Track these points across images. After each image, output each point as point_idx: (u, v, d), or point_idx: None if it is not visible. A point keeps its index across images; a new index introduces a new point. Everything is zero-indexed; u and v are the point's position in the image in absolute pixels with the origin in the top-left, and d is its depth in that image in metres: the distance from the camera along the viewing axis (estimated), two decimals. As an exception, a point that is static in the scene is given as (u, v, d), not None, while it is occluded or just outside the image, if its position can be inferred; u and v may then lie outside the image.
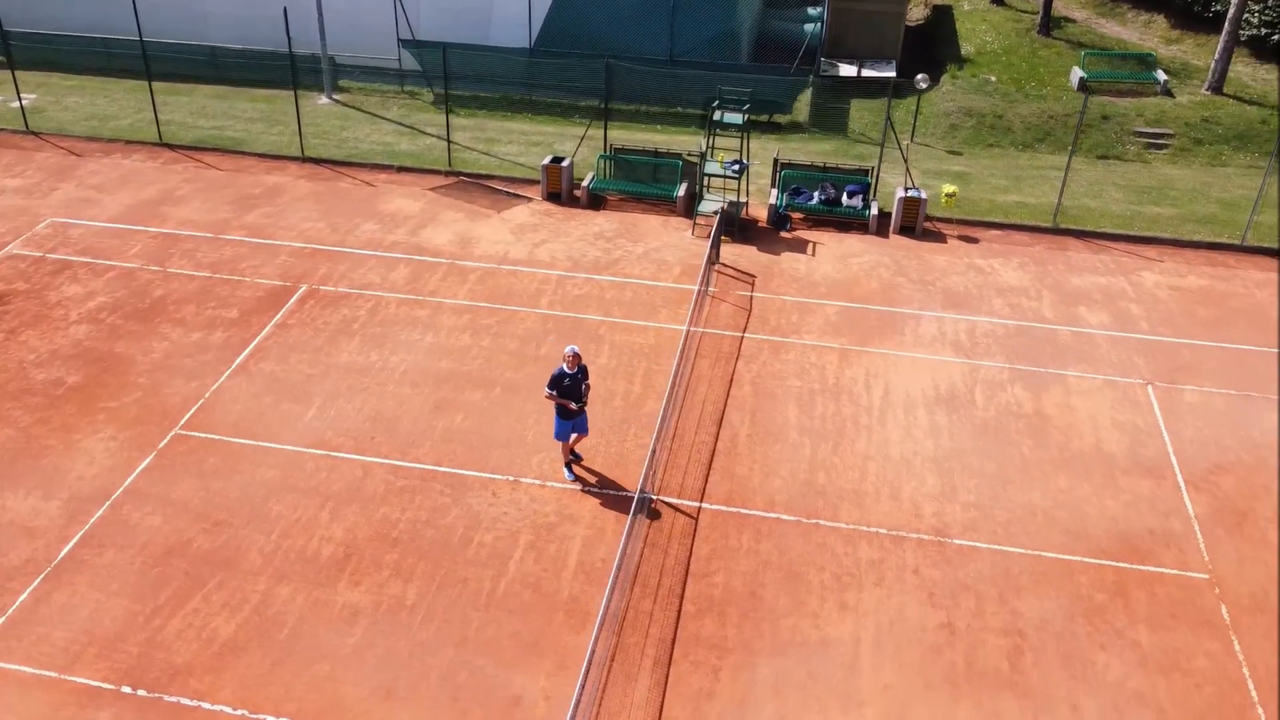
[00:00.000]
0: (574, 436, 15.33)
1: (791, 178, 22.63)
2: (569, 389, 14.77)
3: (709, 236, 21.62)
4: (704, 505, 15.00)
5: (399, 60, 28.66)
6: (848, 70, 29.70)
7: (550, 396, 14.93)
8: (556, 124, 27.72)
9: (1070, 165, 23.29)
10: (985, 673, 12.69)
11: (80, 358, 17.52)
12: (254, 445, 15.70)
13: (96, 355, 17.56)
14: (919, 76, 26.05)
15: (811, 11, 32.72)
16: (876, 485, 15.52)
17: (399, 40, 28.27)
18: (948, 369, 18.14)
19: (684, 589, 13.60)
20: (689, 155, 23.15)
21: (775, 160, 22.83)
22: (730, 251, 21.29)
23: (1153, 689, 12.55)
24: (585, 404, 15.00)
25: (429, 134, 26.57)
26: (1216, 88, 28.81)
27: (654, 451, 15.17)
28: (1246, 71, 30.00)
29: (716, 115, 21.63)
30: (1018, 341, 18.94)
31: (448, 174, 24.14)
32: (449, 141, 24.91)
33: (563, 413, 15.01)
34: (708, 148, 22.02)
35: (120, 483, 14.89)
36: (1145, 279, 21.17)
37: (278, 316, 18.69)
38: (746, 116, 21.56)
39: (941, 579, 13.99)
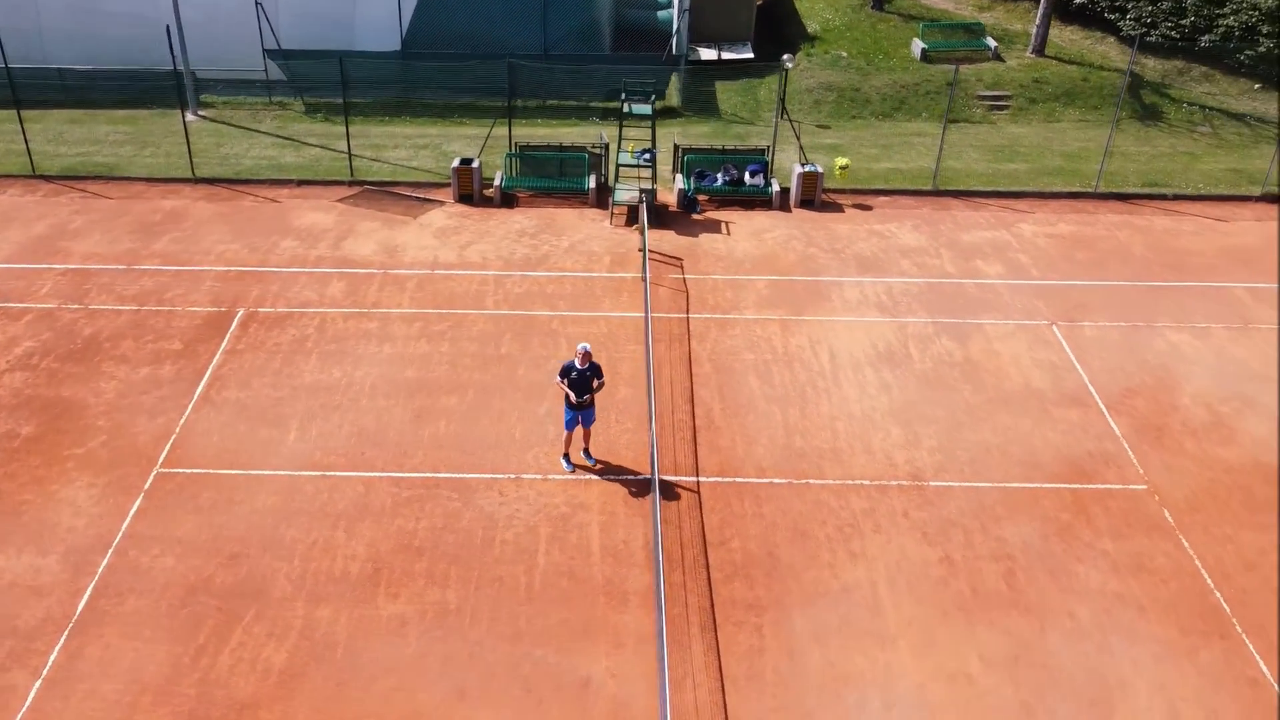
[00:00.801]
0: (580, 430, 15.97)
1: (695, 161, 23.62)
2: (575, 383, 15.35)
3: (627, 225, 22.39)
4: (701, 479, 15.85)
5: (265, 71, 27.92)
6: (708, 54, 30.90)
7: (559, 384, 15.68)
8: (438, 125, 27.73)
9: (945, 131, 25.23)
10: (989, 595, 14.13)
11: (25, 407, 16.69)
12: (244, 474, 15.48)
13: (43, 403, 16.76)
14: (785, 56, 27.42)
15: (662, -1, 33.80)
16: (849, 442, 16.77)
17: (264, 51, 27.55)
18: (879, 329, 19.59)
19: (707, 558, 14.43)
20: (593, 148, 23.77)
21: (676, 146, 23.75)
22: (651, 237, 22.10)
23: (1129, 589, 14.29)
24: (590, 399, 15.55)
25: (311, 145, 26.12)
26: (1039, 50, 31.60)
27: (655, 434, 15.95)
28: (1057, 34, 32.95)
29: (626, 107, 22.35)
30: (931, 297, 20.61)
31: (351, 184, 23.90)
32: (349, 153, 24.62)
33: (569, 403, 15.59)
34: (618, 139, 22.70)
35: (116, 528, 14.45)
36: (1024, 230, 23.31)
37: (224, 343, 18.27)
38: (654, 107, 22.41)
39: (929, 518, 15.36)
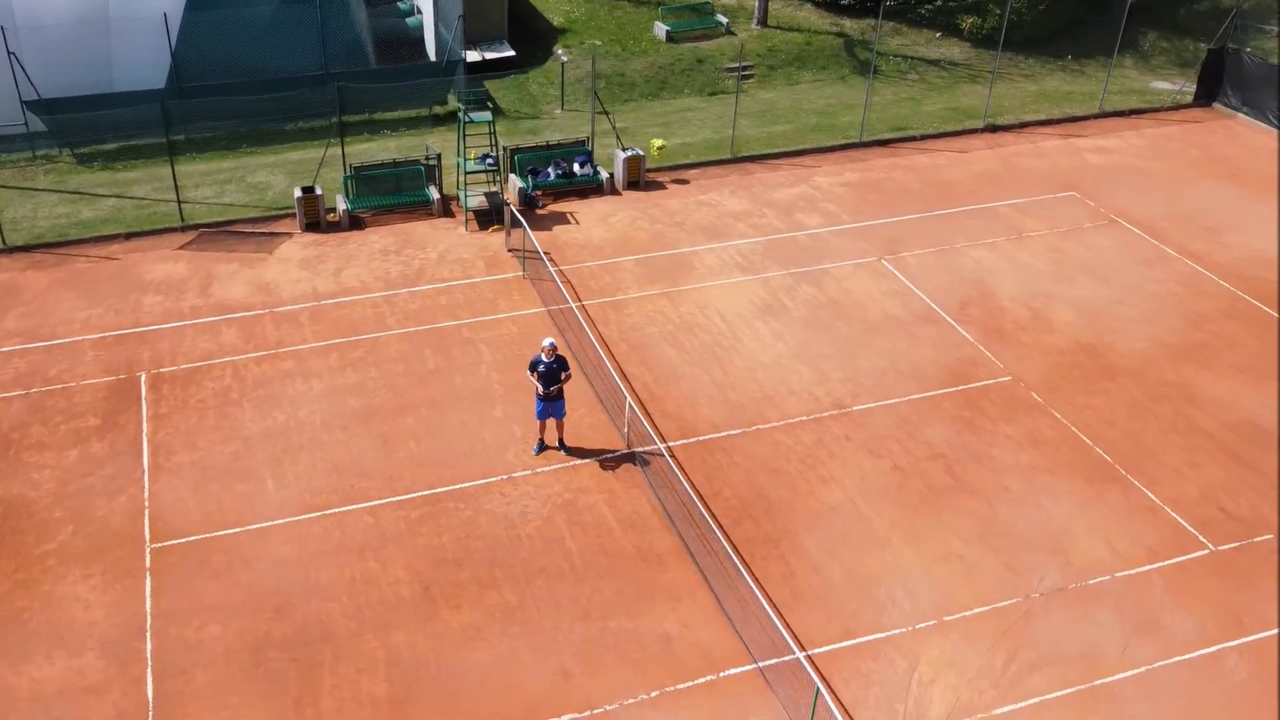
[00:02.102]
0: (553, 422, 16.96)
1: (526, 160, 24.66)
2: (544, 375, 16.35)
3: (481, 229, 23.17)
4: (670, 444, 17.39)
5: (25, 124, 25.69)
6: (473, 56, 31.69)
7: (529, 378, 16.66)
8: (229, 158, 26.80)
9: (737, 102, 27.65)
10: (940, 488, 16.80)
11: (-42, 516, 15.34)
12: (244, 531, 15.27)
13: (-23, 507, 15.48)
14: (560, 50, 28.89)
15: (403, 5, 34.01)
16: (773, 388, 18.89)
17: (23, 103, 25.34)
18: (748, 287, 21.82)
19: (708, 510, 16.04)
20: (426, 159, 24.20)
21: (505, 148, 24.66)
22: (510, 236, 22.99)
23: (1036, 459, 17.46)
24: (558, 391, 16.57)
25: (104, 195, 24.51)
26: (763, 21, 34.98)
27: (628, 411, 17.28)
28: (774, 6, 36.49)
29: (464, 116, 23.02)
30: (776, 252, 23.10)
31: (185, 229, 22.86)
32: (178, 199, 23.47)
33: (539, 395, 16.54)
34: (459, 146, 23.33)
35: (141, 611, 13.94)
36: (820, 182, 26.36)
37: (145, 410, 17.48)
38: (491, 113, 23.32)
39: (867, 437, 17.82)
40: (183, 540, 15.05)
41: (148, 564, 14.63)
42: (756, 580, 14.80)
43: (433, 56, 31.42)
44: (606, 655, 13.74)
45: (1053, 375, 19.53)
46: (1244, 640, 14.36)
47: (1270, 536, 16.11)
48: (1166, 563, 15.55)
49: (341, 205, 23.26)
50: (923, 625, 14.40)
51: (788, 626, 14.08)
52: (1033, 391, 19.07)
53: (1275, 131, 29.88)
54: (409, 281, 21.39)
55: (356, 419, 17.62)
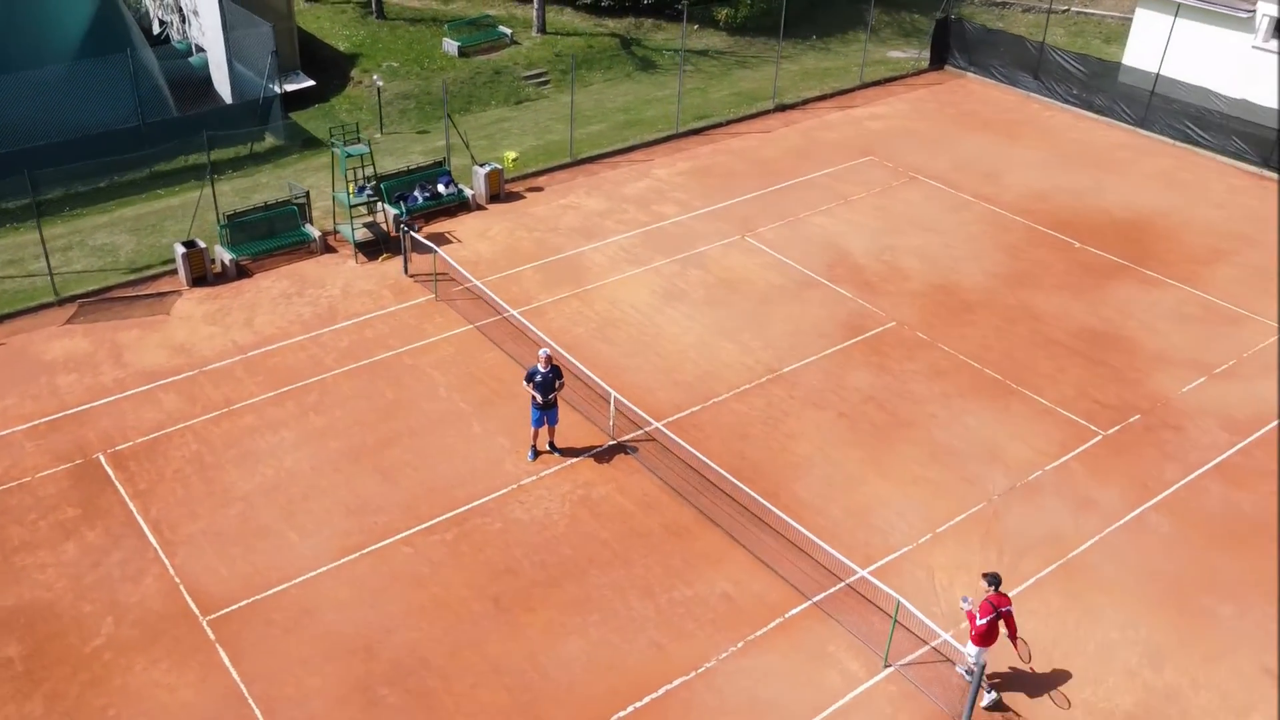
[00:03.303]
0: (546, 427, 17.90)
1: (393, 187, 24.88)
2: (540, 385, 17.30)
3: (371, 260, 23.32)
4: (648, 429, 18.81)
5: None
6: (275, 89, 31.01)
7: (526, 388, 17.59)
8: (57, 224, 25.03)
9: (572, 107, 28.92)
10: (884, 425, 19.32)
11: (-25, 634, 14.34)
12: (292, 585, 15.32)
13: (-5, 619, 14.52)
14: (375, 77, 29.03)
15: (179, 44, 32.62)
16: (709, 365, 20.71)
17: None
18: (644, 278, 23.45)
19: (712, 476, 17.63)
20: (295, 198, 23.92)
21: (368, 177, 24.74)
22: (397, 261, 23.28)
23: (945, 386, 20.35)
24: (554, 399, 17.53)
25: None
26: (542, 29, 36.35)
27: (613, 404, 18.51)
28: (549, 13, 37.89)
29: (340, 150, 23.03)
30: (653, 242, 24.85)
31: (63, 303, 21.44)
32: (50, 271, 21.86)
33: (535, 404, 17.45)
34: (343, 183, 23.29)
35: (231, 682, 13.84)
36: (660, 174, 28.30)
37: (122, 490, 16.77)
38: (368, 146, 23.51)
39: (806, 393, 20.05)
40: (235, 606, 14.89)
41: (212, 636, 14.42)
42: (776, 532, 16.65)
43: (228, 96, 30.52)
44: (684, 622, 15.13)
45: (925, 315, 22.57)
46: (1155, 500, 17.81)
47: (1137, 417, 19.86)
48: (1076, 451, 18.84)
49: (224, 255, 22.65)
50: (923, 540, 16.81)
51: (828, 560, 15.99)
52: (917, 331, 22.00)
53: (1000, 84, 34.96)
54: (325, 321, 21.36)
55: (345, 459, 17.79)
